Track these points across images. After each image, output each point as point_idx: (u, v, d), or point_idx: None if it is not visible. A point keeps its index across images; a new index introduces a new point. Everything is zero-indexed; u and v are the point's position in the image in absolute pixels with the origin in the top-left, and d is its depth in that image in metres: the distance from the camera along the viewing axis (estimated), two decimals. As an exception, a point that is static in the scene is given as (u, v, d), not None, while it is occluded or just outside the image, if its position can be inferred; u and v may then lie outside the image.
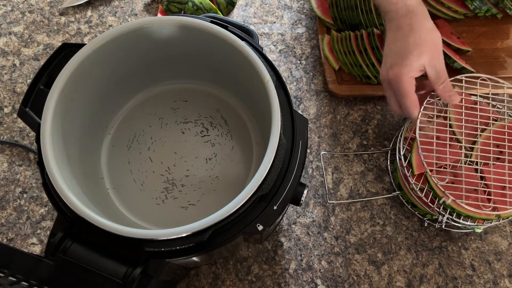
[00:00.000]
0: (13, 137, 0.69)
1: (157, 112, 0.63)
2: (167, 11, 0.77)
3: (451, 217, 0.58)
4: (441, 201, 0.57)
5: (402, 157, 0.61)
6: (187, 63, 0.60)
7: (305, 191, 0.50)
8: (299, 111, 0.70)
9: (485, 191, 0.58)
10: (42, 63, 0.54)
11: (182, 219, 0.57)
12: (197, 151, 0.61)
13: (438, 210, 0.58)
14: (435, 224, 0.62)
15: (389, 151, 0.68)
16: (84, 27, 0.78)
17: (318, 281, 0.61)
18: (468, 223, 0.58)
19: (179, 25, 0.53)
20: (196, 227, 0.43)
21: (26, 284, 0.43)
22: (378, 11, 0.61)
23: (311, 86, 0.74)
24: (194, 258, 0.48)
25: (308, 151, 0.69)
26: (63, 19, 0.79)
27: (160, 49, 0.57)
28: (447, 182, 0.57)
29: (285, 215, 0.64)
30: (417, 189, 0.59)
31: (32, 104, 0.51)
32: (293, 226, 0.64)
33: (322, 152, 0.68)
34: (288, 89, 0.53)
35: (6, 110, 0.71)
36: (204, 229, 0.43)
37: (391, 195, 0.63)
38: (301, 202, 0.50)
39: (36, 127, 0.49)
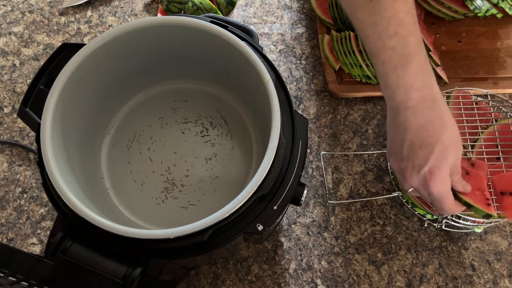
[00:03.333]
0: (13, 137, 0.69)
1: (157, 112, 0.63)
2: (167, 11, 0.77)
3: (451, 217, 0.58)
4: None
5: None
6: (187, 63, 0.60)
7: (305, 191, 0.50)
8: (299, 111, 0.70)
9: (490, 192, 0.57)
10: (42, 63, 0.54)
11: (182, 219, 0.57)
12: (197, 151, 0.61)
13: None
14: (435, 224, 0.62)
15: None
16: (84, 27, 0.78)
17: (318, 281, 0.61)
18: (468, 223, 0.58)
19: (179, 25, 0.53)
20: (196, 227, 0.43)
21: (26, 284, 0.43)
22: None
23: (311, 86, 0.74)
24: (194, 258, 0.48)
25: (308, 151, 0.69)
26: (63, 19, 0.79)
27: (160, 49, 0.57)
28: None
29: (285, 215, 0.64)
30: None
31: (32, 104, 0.51)
32: (293, 226, 0.64)
33: (322, 152, 0.68)
34: (288, 89, 0.53)
35: (6, 110, 0.71)
36: (204, 229, 0.44)
37: (391, 195, 0.63)
38: (301, 202, 0.50)
39: (36, 127, 0.49)
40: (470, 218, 0.56)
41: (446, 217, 0.58)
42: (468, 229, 0.62)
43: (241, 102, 0.63)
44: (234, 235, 0.46)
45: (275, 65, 0.55)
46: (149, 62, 0.59)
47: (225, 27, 0.53)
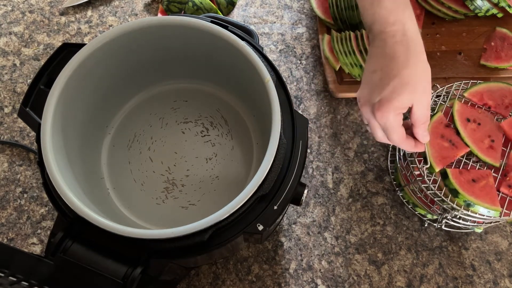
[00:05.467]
0: (13, 137, 0.69)
1: (157, 112, 0.63)
2: (167, 11, 0.77)
3: (451, 217, 0.57)
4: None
5: (402, 157, 0.61)
6: (187, 63, 0.60)
7: (305, 191, 0.50)
8: (299, 111, 0.70)
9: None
10: (42, 63, 0.54)
11: (182, 219, 0.57)
12: (197, 151, 0.61)
13: (438, 210, 0.58)
14: (435, 224, 0.62)
15: (389, 151, 0.68)
16: (84, 27, 0.78)
17: (318, 281, 0.61)
18: (468, 223, 0.57)
19: (179, 25, 0.53)
20: (196, 227, 0.43)
21: (26, 284, 0.43)
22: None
23: (311, 86, 0.74)
24: (195, 258, 0.48)
25: (308, 151, 0.69)
26: (63, 19, 0.79)
27: (160, 49, 0.57)
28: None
29: (285, 215, 0.64)
30: (417, 189, 0.59)
31: (32, 104, 0.51)
32: (293, 226, 0.64)
33: (322, 152, 0.68)
34: (288, 89, 0.53)
35: (6, 110, 0.71)
36: (204, 229, 0.44)
37: (391, 195, 0.63)
38: (301, 202, 0.50)
39: (36, 127, 0.49)
40: (470, 218, 0.56)
41: (446, 217, 0.58)
42: (468, 229, 0.62)
43: (241, 102, 0.63)
44: (234, 235, 0.46)
45: (276, 65, 0.55)
46: (149, 62, 0.59)
47: (226, 27, 0.53)
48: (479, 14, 0.73)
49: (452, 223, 0.59)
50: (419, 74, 0.49)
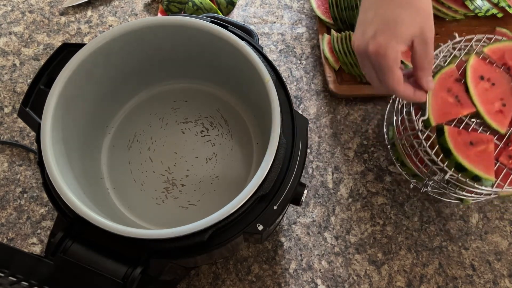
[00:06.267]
0: (13, 137, 0.69)
1: (157, 112, 0.63)
2: (167, 11, 0.77)
3: (439, 181, 0.53)
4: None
5: (399, 110, 0.56)
6: (187, 63, 0.60)
7: (305, 191, 0.50)
8: (299, 111, 0.70)
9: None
10: (42, 63, 0.54)
11: (182, 219, 0.57)
12: (197, 151, 0.61)
13: (426, 172, 0.54)
14: (422, 189, 0.57)
15: (388, 105, 0.64)
16: (84, 27, 0.78)
17: (318, 281, 0.61)
18: (457, 190, 0.52)
19: (179, 25, 0.53)
20: (196, 227, 0.43)
21: (26, 284, 0.43)
22: None
23: (311, 86, 0.74)
24: (195, 258, 0.48)
25: (308, 151, 0.69)
26: (63, 19, 0.79)
27: (160, 49, 0.57)
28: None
29: (285, 215, 0.64)
30: (408, 144, 0.54)
31: (32, 104, 0.51)
32: (293, 226, 0.64)
33: (322, 152, 0.68)
34: (288, 89, 0.53)
35: (6, 110, 0.71)
36: (204, 229, 0.44)
37: (391, 195, 0.63)
38: (301, 202, 0.50)
39: (36, 127, 0.49)
40: (459, 184, 0.51)
41: (433, 180, 0.53)
42: (454, 198, 0.56)
43: (241, 102, 0.63)
44: (234, 235, 0.46)
45: (276, 65, 0.55)
46: (149, 62, 0.59)
47: (226, 27, 0.53)
48: (479, 14, 0.73)
49: (439, 189, 0.54)
50: (418, 6, 0.45)
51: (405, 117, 0.53)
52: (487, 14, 0.72)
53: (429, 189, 0.55)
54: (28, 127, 0.65)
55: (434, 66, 0.55)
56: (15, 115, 0.70)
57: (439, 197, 0.60)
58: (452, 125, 0.51)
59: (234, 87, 0.62)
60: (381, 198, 0.66)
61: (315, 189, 0.67)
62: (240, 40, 0.51)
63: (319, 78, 0.74)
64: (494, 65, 0.54)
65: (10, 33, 0.77)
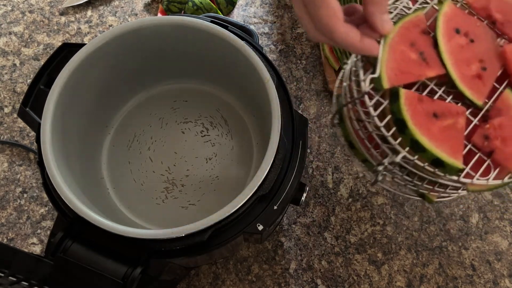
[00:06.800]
0: (13, 137, 0.69)
1: (157, 112, 0.63)
2: (167, 11, 0.77)
3: (388, 164, 0.38)
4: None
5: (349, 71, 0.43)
6: (187, 63, 0.60)
7: (305, 191, 0.50)
8: (299, 111, 0.70)
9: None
10: (42, 63, 0.54)
11: (182, 219, 0.57)
12: (197, 151, 0.61)
13: (377, 155, 0.40)
14: (372, 180, 0.41)
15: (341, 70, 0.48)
16: (84, 27, 0.78)
17: (318, 281, 0.61)
18: (415, 180, 0.39)
19: (179, 25, 0.53)
20: (196, 227, 0.43)
21: (26, 284, 0.43)
22: None
23: (311, 86, 0.73)
24: (194, 258, 0.48)
25: (308, 151, 0.69)
26: (63, 19, 0.79)
27: (160, 49, 0.57)
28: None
29: (285, 215, 0.64)
30: (355, 117, 0.41)
31: (32, 104, 0.51)
32: (293, 226, 0.64)
33: (322, 152, 0.68)
34: (288, 89, 0.53)
35: (6, 110, 0.71)
36: (204, 229, 0.44)
37: (391, 195, 0.63)
38: (301, 202, 0.50)
39: (36, 127, 0.49)
40: (417, 172, 0.38)
41: (383, 165, 0.38)
42: (413, 193, 0.42)
43: (241, 102, 0.63)
44: (234, 235, 0.46)
45: (276, 65, 0.55)
46: (149, 62, 0.59)
47: (225, 27, 0.53)
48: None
49: (392, 177, 0.40)
50: None
51: (352, 78, 0.39)
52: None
53: (379, 179, 0.39)
54: (28, 127, 0.65)
55: (395, 12, 0.41)
56: (15, 115, 0.70)
57: (398, 193, 0.45)
58: (413, 90, 0.38)
59: (234, 87, 0.62)
60: (381, 198, 0.66)
61: (315, 189, 0.67)
62: (240, 40, 0.51)
63: (319, 78, 0.74)
64: (475, 17, 0.41)
65: (10, 33, 0.77)
